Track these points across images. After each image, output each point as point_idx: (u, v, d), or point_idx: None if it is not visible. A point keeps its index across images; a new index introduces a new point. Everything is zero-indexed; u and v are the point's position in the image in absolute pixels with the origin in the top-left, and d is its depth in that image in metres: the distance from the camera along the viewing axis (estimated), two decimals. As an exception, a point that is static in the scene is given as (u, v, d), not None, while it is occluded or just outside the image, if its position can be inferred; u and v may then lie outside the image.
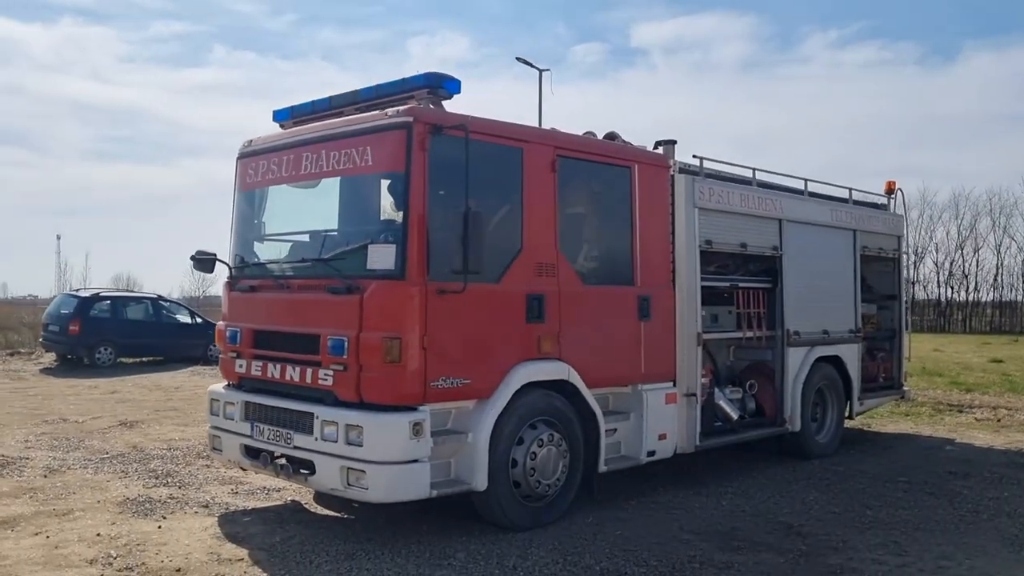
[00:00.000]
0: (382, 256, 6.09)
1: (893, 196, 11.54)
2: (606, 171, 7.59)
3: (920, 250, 52.51)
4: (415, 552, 6.05)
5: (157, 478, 8.35)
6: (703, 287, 8.41)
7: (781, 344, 9.28)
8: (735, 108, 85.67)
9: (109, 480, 8.28)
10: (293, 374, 6.54)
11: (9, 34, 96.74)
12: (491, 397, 6.42)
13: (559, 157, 6.99)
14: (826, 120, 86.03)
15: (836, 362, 10.09)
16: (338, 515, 7.13)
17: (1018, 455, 10.08)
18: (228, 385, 7.30)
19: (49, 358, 22.29)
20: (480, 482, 6.30)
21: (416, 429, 5.94)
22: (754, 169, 9.18)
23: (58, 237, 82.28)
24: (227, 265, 7.30)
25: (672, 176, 8.13)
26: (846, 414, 10.39)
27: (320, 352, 6.25)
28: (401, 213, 6.07)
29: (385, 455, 5.92)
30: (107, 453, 9.61)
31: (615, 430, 7.50)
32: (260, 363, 6.89)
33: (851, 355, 10.28)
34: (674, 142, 8.27)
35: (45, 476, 8.45)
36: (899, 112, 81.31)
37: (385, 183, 6.42)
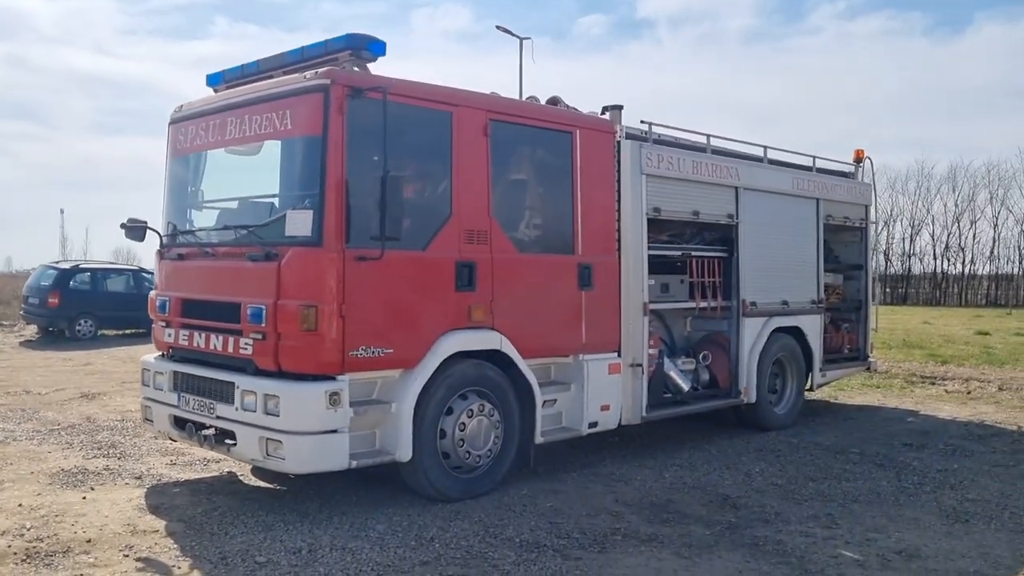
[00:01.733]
0: (300, 222, 5.94)
1: (861, 165, 11.34)
2: (545, 136, 7.41)
3: (917, 223, 52.25)
4: (336, 523, 5.96)
5: (99, 449, 8.26)
6: (652, 256, 8.27)
7: (736, 315, 9.14)
8: (742, 81, 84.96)
9: (51, 452, 8.19)
10: (216, 343, 6.42)
11: (13, 5, 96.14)
12: (416, 367, 6.29)
13: (492, 121, 6.82)
14: (833, 93, 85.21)
15: (796, 333, 9.94)
16: (270, 486, 7.03)
17: (978, 427, 9.95)
18: (159, 355, 7.19)
19: (31, 331, 22.23)
20: (404, 453, 6.20)
21: (333, 399, 5.83)
22: (708, 135, 8.98)
23: (61, 211, 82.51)
24: (157, 233, 7.16)
25: (618, 142, 7.94)
26: (807, 386, 10.26)
27: (240, 321, 6.13)
28: (318, 178, 5.91)
29: (301, 425, 5.81)
30: (57, 425, 9.53)
31: (555, 401, 7.38)
32: (187, 332, 6.77)
33: (812, 326, 10.14)
34: (620, 107, 8.07)
35: (-14, 448, 8.37)
36: (905, 84, 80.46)
37: (304, 147, 6.24)
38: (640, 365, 7.98)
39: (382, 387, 6.31)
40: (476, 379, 6.69)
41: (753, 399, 9.28)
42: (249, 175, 6.89)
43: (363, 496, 6.61)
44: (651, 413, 8.19)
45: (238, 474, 7.36)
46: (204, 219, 7.19)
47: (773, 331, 9.52)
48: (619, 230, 7.92)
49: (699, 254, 8.91)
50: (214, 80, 7.23)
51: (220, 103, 6.81)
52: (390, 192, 5.82)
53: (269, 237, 6.12)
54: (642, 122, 8.24)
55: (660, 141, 8.39)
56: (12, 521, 5.96)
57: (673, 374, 8.64)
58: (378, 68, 6.34)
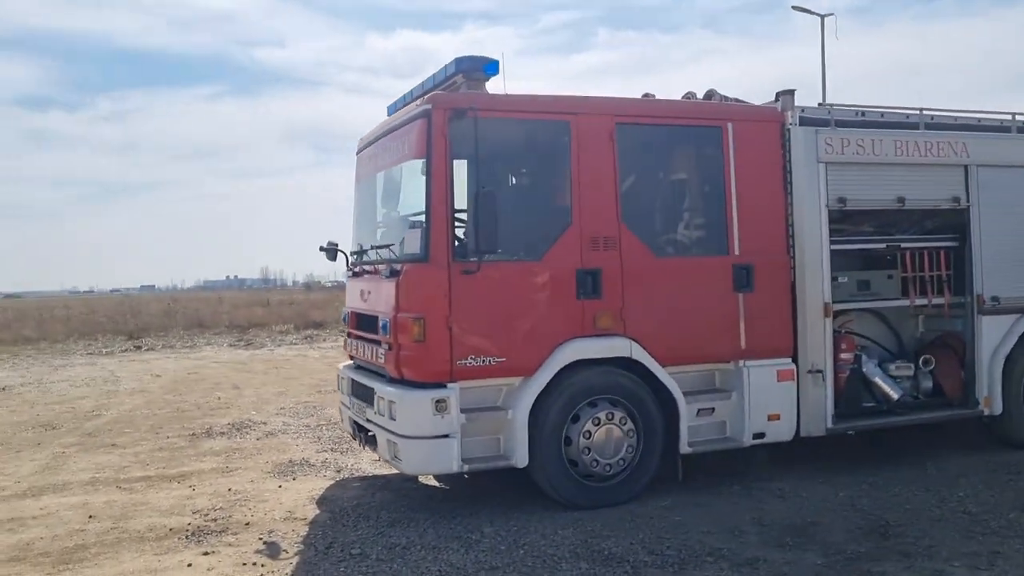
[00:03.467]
0: (413, 240, 6.38)
1: None
2: (687, 134, 7.09)
3: None
4: (457, 523, 6.27)
5: (335, 445, 9.39)
6: (850, 251, 7.51)
7: (971, 312, 7.90)
8: None
9: (299, 445, 9.49)
10: (367, 352, 7.09)
11: (421, 44, 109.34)
12: (534, 375, 6.41)
13: (619, 125, 6.70)
14: None
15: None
16: (437, 486, 7.54)
17: None
18: (348, 364, 8.05)
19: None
20: (520, 459, 6.35)
21: (439, 406, 6.16)
22: (921, 110, 7.87)
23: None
24: (344, 254, 8.00)
25: (788, 130, 7.31)
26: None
27: (377, 332, 6.72)
28: (425, 198, 6.28)
29: (412, 430, 6.23)
30: (328, 421, 10.92)
31: (712, 410, 7.03)
32: (354, 343, 7.54)
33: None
34: (792, 92, 7.41)
35: (258, 439, 9.92)
36: None
37: (417, 169, 6.66)
38: (820, 371, 7.26)
39: (507, 395, 6.52)
40: (605, 387, 6.62)
41: (998, 411, 7.95)
42: (398, 198, 7.46)
43: (517, 499, 6.80)
44: (840, 424, 7.42)
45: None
46: (374, 240, 7.91)
47: (1027, 330, 8.05)
48: (792, 225, 7.29)
49: (913, 245, 7.84)
50: (391, 109, 7.93)
51: (376, 133, 7.48)
52: (483, 208, 6.02)
53: (399, 255, 6.63)
54: (820, 105, 7.49)
55: (848, 123, 7.52)
56: (211, 502, 7.12)
57: (879, 380, 7.70)
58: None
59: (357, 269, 7.73)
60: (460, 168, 6.39)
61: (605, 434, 6.57)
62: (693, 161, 7.17)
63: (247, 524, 6.50)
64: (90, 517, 6.77)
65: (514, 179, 7.24)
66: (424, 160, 6.29)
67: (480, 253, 6.10)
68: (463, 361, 6.24)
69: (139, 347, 25.03)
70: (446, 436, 6.21)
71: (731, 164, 7.01)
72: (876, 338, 8.13)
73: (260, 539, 6.12)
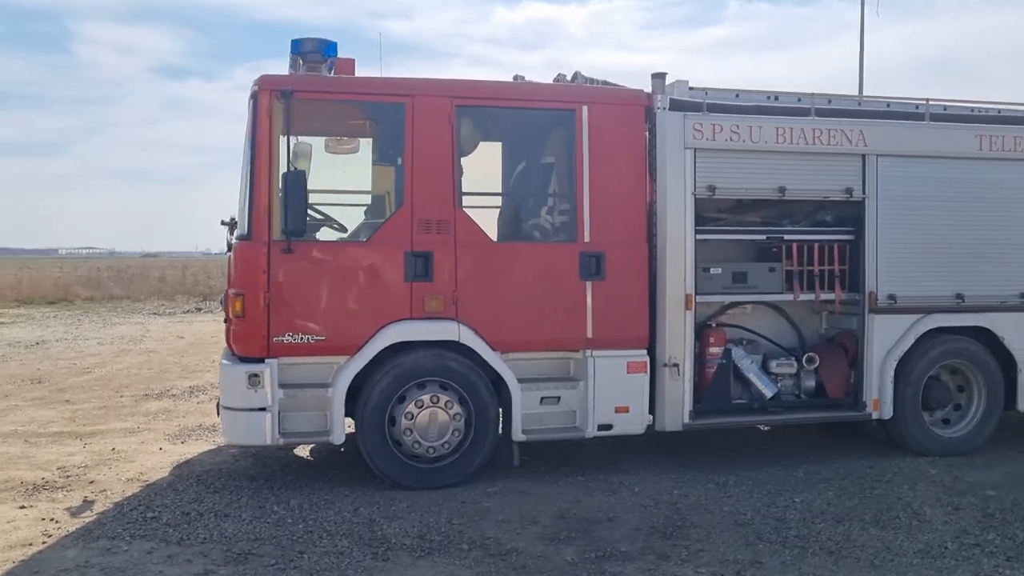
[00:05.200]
0: (241, 218, 6.56)
1: None
2: (536, 117, 6.98)
3: None
4: (275, 492, 6.47)
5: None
6: (707, 240, 7.27)
7: (862, 310, 7.50)
8: None
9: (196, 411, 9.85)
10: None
11: (547, 16, 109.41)
12: (356, 355, 6.51)
13: (459, 107, 6.66)
14: None
15: (983, 336, 7.76)
16: (306, 457, 7.75)
17: None
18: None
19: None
20: (337, 436, 6.49)
21: (253, 380, 6.33)
22: (813, 94, 7.48)
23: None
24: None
25: (654, 114, 7.08)
26: (1019, 406, 7.90)
27: (225, 307, 6.95)
28: (249, 177, 6.43)
29: (229, 401, 6.45)
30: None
31: (558, 398, 6.96)
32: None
33: (1013, 327, 7.78)
34: (664, 75, 7.17)
35: (199, 403, 10.39)
36: None
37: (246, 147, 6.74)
38: (677, 365, 7.06)
39: (336, 373, 6.63)
40: (435, 370, 6.65)
41: (887, 415, 7.54)
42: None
43: (369, 475, 6.91)
44: (700, 420, 7.21)
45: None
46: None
47: (929, 332, 7.58)
48: (655, 213, 7.10)
49: (799, 237, 7.49)
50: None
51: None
52: (291, 188, 6.13)
53: (237, 233, 6.80)
54: (692, 88, 7.21)
55: (718, 108, 7.22)
56: (84, 460, 7.55)
57: (753, 377, 7.43)
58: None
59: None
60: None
61: (428, 417, 6.61)
62: (542, 145, 7.06)
63: (91, 482, 6.87)
64: (-33, 466, 7.31)
65: (348, 160, 7.29)
66: (250, 139, 6.42)
67: (290, 233, 6.21)
68: (280, 338, 6.39)
69: (200, 309, 26.28)
70: (262, 409, 6.38)
71: (584, 149, 6.86)
72: (770, 333, 7.83)
73: (84, 498, 6.46)
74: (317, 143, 7.29)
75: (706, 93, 7.26)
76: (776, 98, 7.52)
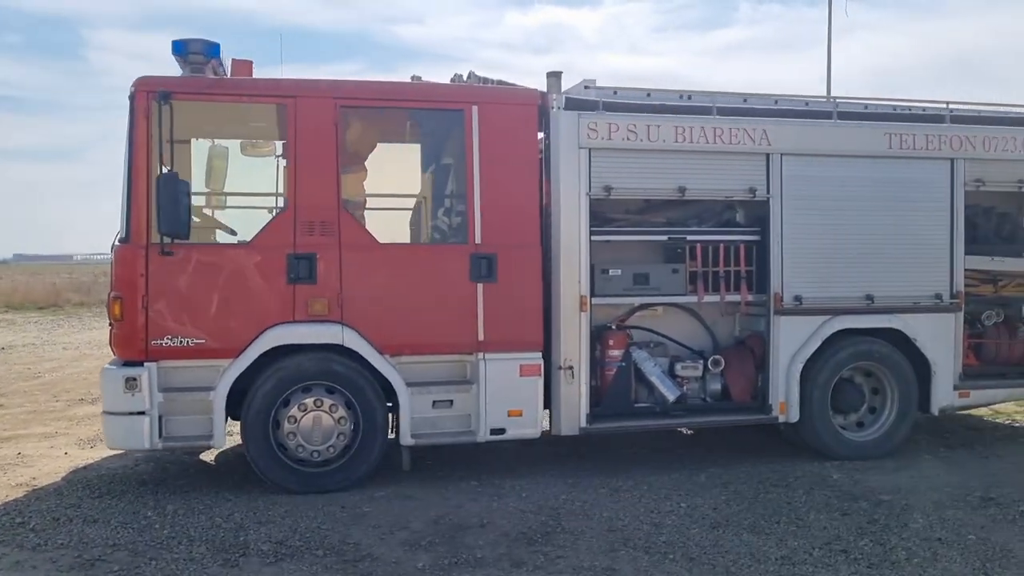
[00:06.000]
0: (122, 222, 6.50)
1: (1076, 105, 8.14)
2: (424, 117, 6.90)
3: None
4: (156, 498, 6.41)
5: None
6: (609, 241, 7.18)
7: (768, 312, 7.38)
8: None
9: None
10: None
11: (560, 20, 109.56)
12: (238, 358, 6.44)
13: (343, 108, 6.59)
14: None
15: (895, 338, 7.62)
16: (210, 462, 7.70)
17: None
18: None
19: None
20: (218, 440, 6.43)
21: (130, 384, 6.27)
22: (715, 92, 7.37)
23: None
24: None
25: (549, 113, 6.99)
26: (932, 409, 7.75)
27: (113, 310, 6.88)
28: (126, 180, 6.38)
29: (108, 406, 6.39)
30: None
31: (451, 402, 6.86)
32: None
33: (931, 329, 7.64)
34: (559, 73, 7.08)
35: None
36: None
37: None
38: (571, 368, 6.96)
39: (220, 376, 6.56)
40: (320, 373, 6.57)
41: (794, 418, 7.41)
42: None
43: (228, 480, 6.89)
44: (598, 424, 7.10)
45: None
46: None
47: (838, 334, 7.45)
48: (549, 215, 7.01)
49: (703, 238, 7.37)
50: None
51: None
52: (163, 191, 6.07)
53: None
54: (586, 87, 7.12)
55: (614, 107, 7.12)
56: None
57: (655, 380, 7.32)
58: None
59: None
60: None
61: (312, 420, 6.54)
62: (431, 146, 6.98)
63: (-19, 486, 6.83)
64: None
65: (230, 162, 7.23)
66: (129, 140, 6.37)
67: (163, 236, 6.15)
68: (158, 341, 6.33)
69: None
70: (140, 413, 6.32)
71: (474, 149, 6.77)
72: (681, 336, 7.72)
73: (-25, 499, 6.42)
74: (235, 146, 7.27)
75: (615, 92, 7.19)
76: (690, 97, 7.39)
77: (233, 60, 7.09)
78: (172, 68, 6.68)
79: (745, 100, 7.64)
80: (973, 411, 9.32)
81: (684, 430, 8.64)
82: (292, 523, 5.86)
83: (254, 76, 6.96)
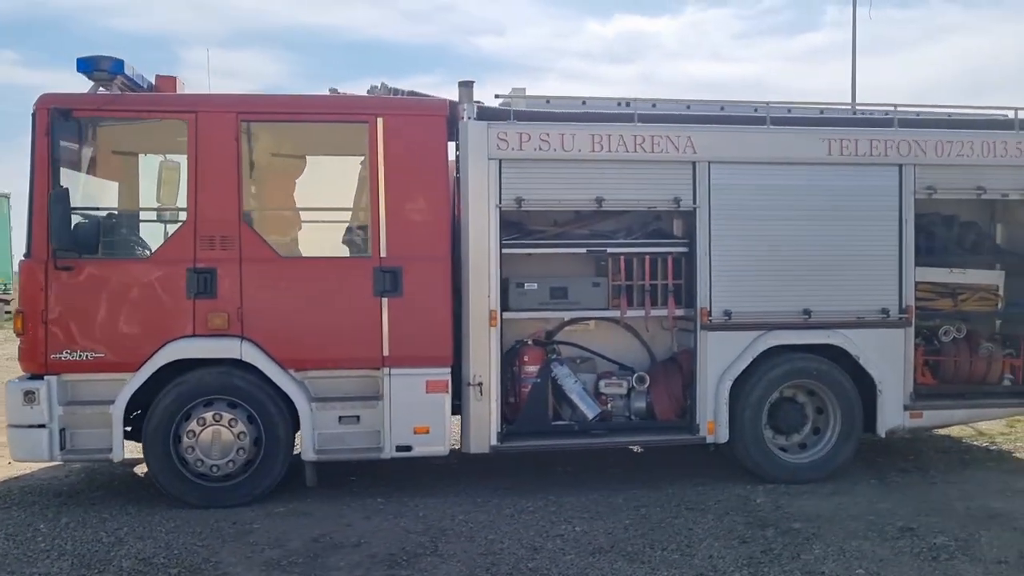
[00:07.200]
0: (27, 237, 6.61)
1: (1044, 106, 7.58)
2: (330, 130, 6.83)
3: None
4: (54, 511, 6.48)
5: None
6: (526, 255, 7.00)
7: (695, 327, 7.07)
8: None
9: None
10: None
11: (639, 29, 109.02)
12: (137, 371, 6.47)
13: (245, 122, 6.58)
14: None
15: (836, 355, 7.20)
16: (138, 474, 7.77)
17: None
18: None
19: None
20: (117, 453, 6.46)
21: (28, 397, 6.36)
22: (630, 100, 7.10)
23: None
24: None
25: (459, 124, 6.84)
26: (879, 430, 7.29)
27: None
28: (29, 195, 6.48)
29: (11, 418, 6.49)
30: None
31: (357, 417, 6.77)
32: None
33: (876, 345, 7.20)
34: (471, 83, 6.93)
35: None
36: None
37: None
38: (480, 384, 6.78)
39: (123, 389, 6.59)
40: (221, 387, 6.56)
41: (724, 438, 7.06)
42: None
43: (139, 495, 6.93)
44: (510, 443, 6.90)
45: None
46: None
47: (772, 350, 7.08)
48: (460, 227, 6.86)
49: (626, 250, 7.10)
50: None
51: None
52: (54, 207, 6.15)
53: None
54: (496, 96, 6.96)
55: (527, 116, 6.92)
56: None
57: (575, 398, 7.08)
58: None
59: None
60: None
61: (211, 435, 6.52)
62: (336, 159, 6.90)
63: (-101, 496, 7.02)
64: None
65: (131, 177, 7.27)
66: (32, 156, 6.47)
67: (55, 251, 6.23)
68: (58, 355, 6.40)
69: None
70: (41, 426, 6.40)
71: (380, 162, 6.66)
72: (614, 352, 7.47)
73: None
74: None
75: (548, 101, 7.05)
76: (628, 104, 7.12)
77: (157, 76, 7.17)
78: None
79: (688, 107, 7.37)
80: (952, 431, 8.81)
81: (635, 448, 8.35)
82: (171, 539, 5.84)
83: (177, 92, 7.04)
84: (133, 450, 6.76)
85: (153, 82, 7.15)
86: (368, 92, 7.30)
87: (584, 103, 7.29)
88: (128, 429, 6.66)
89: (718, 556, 5.49)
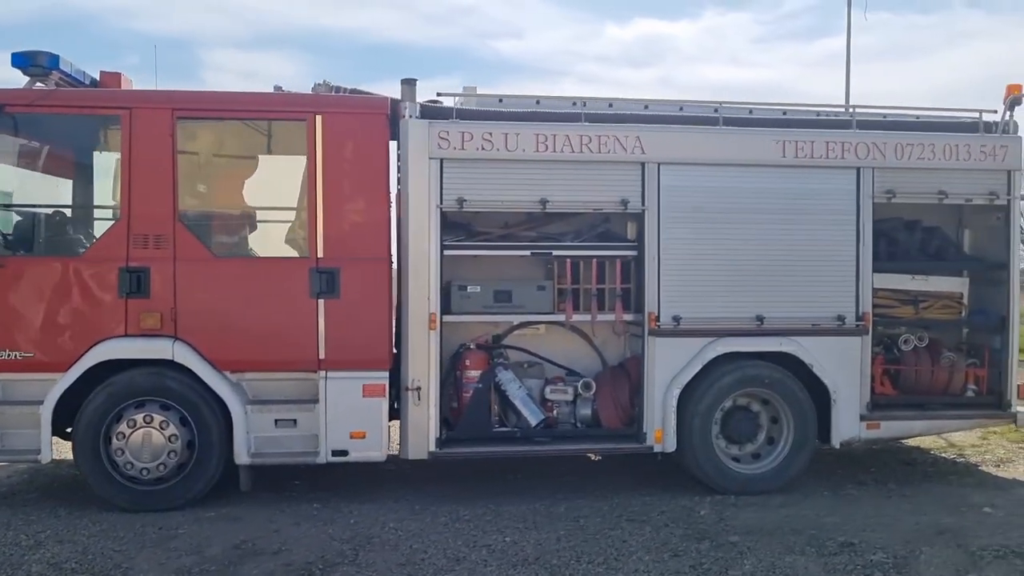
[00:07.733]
0: (-37, 235, 6.53)
1: (1012, 109, 7.35)
2: (267, 128, 6.71)
3: None
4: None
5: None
6: (471, 257, 6.85)
7: (643, 333, 6.88)
8: None
9: None
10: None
11: (658, 32, 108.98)
12: (67, 371, 6.37)
13: (180, 120, 6.46)
14: None
15: (789, 363, 7.00)
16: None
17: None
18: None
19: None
20: (45, 454, 6.35)
21: (-48, 398, 6.28)
22: (577, 99, 6.93)
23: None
24: None
25: (400, 123, 6.70)
26: (833, 441, 7.07)
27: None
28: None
29: (-63, 419, 6.40)
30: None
31: (294, 421, 6.64)
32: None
33: (830, 354, 6.99)
34: (414, 81, 6.78)
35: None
36: None
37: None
38: (419, 389, 6.63)
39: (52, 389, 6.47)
40: (153, 389, 6.44)
41: (671, 447, 6.87)
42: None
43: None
44: (449, 449, 6.74)
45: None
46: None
47: (722, 357, 6.88)
48: (401, 228, 6.72)
49: (572, 253, 6.93)
50: None
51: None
52: (-20, 203, 6.07)
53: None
54: (439, 94, 6.80)
55: (469, 115, 6.76)
56: None
57: (518, 404, 6.91)
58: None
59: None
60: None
61: (142, 437, 6.40)
62: (272, 157, 6.77)
63: None
64: None
65: (61, 174, 7.15)
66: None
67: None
68: (-15, 355, 6.31)
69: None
70: (-31, 427, 6.31)
71: (317, 160, 6.53)
72: (564, 357, 7.31)
73: None
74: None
75: (500, 100, 6.91)
76: (584, 104, 6.95)
77: (102, 72, 7.07)
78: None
79: (646, 107, 7.19)
80: (924, 442, 8.57)
81: (593, 456, 8.17)
82: (90, 544, 5.72)
83: (123, 88, 6.94)
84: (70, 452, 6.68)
85: (97, 78, 7.05)
86: (312, 89, 7.17)
87: (538, 102, 7.13)
88: (69, 430, 6.57)
89: (644, 571, 5.31)
